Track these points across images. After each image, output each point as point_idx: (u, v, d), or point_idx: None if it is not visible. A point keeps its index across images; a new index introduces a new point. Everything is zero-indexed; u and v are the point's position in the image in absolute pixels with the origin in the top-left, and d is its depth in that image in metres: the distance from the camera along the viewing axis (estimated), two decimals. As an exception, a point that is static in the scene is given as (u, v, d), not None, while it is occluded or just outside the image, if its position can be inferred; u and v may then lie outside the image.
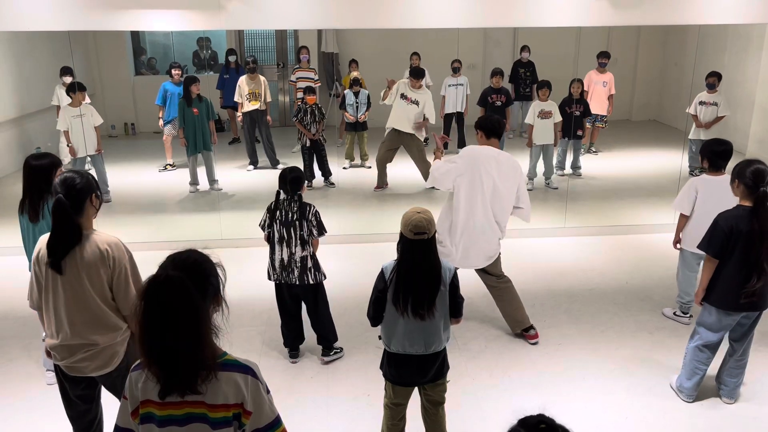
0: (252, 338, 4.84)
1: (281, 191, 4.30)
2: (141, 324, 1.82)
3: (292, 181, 4.23)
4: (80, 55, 9.40)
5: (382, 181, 8.42)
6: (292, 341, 4.54)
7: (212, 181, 8.39)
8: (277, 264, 4.29)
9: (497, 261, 4.76)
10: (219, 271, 2.02)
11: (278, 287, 4.43)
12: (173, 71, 8.92)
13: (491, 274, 4.77)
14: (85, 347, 2.93)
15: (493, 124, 4.69)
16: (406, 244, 3.08)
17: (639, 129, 11.38)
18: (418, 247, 3.06)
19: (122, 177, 8.64)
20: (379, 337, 3.31)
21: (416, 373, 3.26)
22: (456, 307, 3.23)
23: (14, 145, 9.07)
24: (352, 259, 6.12)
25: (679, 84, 10.59)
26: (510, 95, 9.00)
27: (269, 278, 4.40)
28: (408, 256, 3.09)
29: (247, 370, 1.95)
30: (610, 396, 4.14)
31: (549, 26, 6.17)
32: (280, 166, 9.17)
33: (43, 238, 2.95)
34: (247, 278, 5.78)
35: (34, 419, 3.97)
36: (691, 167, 8.46)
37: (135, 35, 11.23)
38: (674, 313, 5.16)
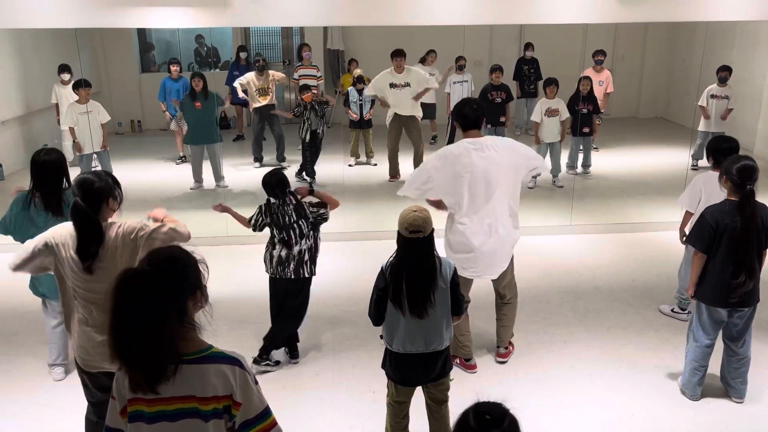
0: (259, 335, 4.84)
1: (270, 197, 4.28)
2: (111, 317, 1.83)
3: (278, 184, 4.22)
4: (87, 52, 9.42)
5: (395, 170, 8.55)
6: (288, 342, 4.54)
7: (218, 177, 8.35)
8: (274, 260, 4.30)
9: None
10: (201, 267, 2.02)
11: (272, 282, 4.40)
12: (171, 67, 8.97)
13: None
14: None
15: (466, 114, 4.09)
16: (402, 242, 3.09)
17: (646, 126, 11.32)
18: (413, 246, 3.06)
19: (128, 174, 8.65)
20: (381, 337, 3.31)
21: (419, 372, 3.25)
22: (457, 305, 3.22)
23: (21, 143, 9.10)
24: (359, 256, 6.12)
25: (687, 81, 10.52)
26: (510, 91, 8.98)
27: (269, 274, 4.39)
28: (404, 254, 3.09)
29: (234, 361, 1.96)
30: (616, 393, 4.13)
31: (555, 23, 6.15)
32: (285, 164, 9.19)
33: (61, 230, 2.95)
34: (254, 275, 5.78)
35: (42, 415, 3.99)
36: (695, 159, 8.50)
37: (141, 32, 11.25)
38: (672, 310, 5.16)
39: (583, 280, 5.83)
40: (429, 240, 3.07)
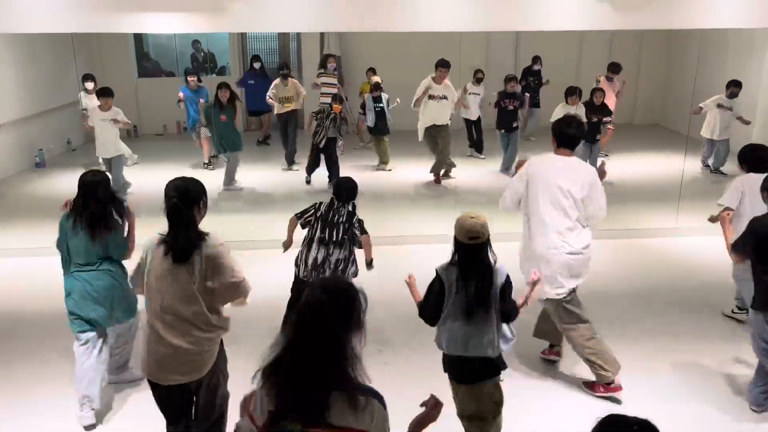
0: (263, 340, 4.82)
1: (335, 198, 4.45)
2: (287, 345, 1.90)
3: (348, 190, 4.45)
4: (83, 57, 9.42)
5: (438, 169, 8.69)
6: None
7: (230, 181, 8.51)
8: (309, 262, 4.33)
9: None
10: (361, 297, 2.03)
11: (301, 282, 4.39)
12: (188, 77, 9.02)
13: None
14: None
15: (567, 133, 4.12)
16: (460, 248, 3.16)
17: (642, 133, 11.36)
18: (472, 251, 3.13)
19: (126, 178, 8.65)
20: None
21: (458, 372, 3.30)
22: (507, 313, 3.24)
23: (17, 147, 9.08)
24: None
25: (682, 88, 10.58)
26: (524, 99, 9.11)
27: (297, 274, 4.42)
28: (465, 259, 3.16)
29: (379, 396, 1.97)
30: (612, 401, 4.12)
31: (551, 30, 6.17)
32: (296, 167, 9.28)
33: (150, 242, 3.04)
34: (259, 281, 5.77)
35: (40, 420, 3.95)
36: (705, 163, 8.94)
37: (138, 37, 11.25)
38: (732, 311, 5.17)
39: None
40: (486, 244, 3.15)
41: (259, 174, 9.22)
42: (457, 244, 3.16)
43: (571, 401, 4.13)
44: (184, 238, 2.94)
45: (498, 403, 3.33)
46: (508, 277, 3.22)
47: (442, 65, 8.25)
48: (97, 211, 3.79)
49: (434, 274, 3.23)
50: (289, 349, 1.90)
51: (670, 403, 4.09)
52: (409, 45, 9.04)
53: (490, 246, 3.17)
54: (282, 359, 1.91)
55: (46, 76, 8.72)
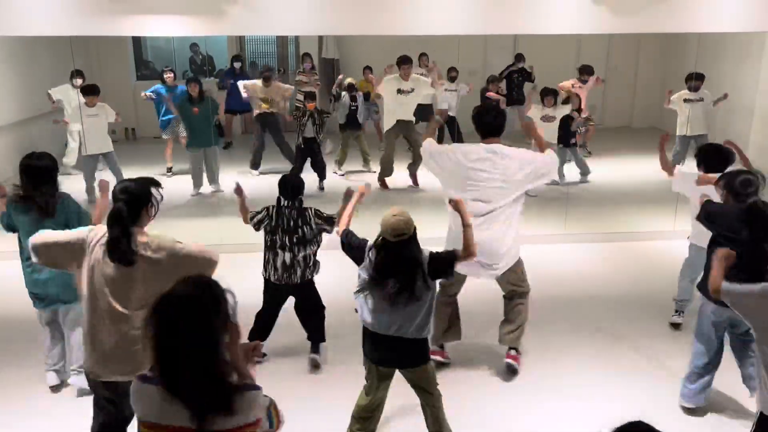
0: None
1: (281, 197, 4.35)
2: (156, 344, 1.82)
3: (293, 188, 4.33)
4: (82, 60, 9.41)
5: (387, 174, 8.68)
6: (259, 334, 4.46)
7: (214, 181, 8.43)
8: (279, 265, 4.34)
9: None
10: (228, 296, 1.96)
11: (273, 286, 4.43)
12: (165, 75, 8.96)
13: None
14: None
15: (486, 121, 4.21)
16: (387, 246, 3.20)
17: (639, 136, 11.37)
18: (398, 247, 3.18)
19: (123, 182, 8.65)
20: (356, 310, 3.42)
21: (392, 355, 3.39)
22: (439, 271, 3.30)
23: (14, 150, 9.05)
24: (343, 263, 6.09)
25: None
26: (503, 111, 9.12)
27: (268, 278, 4.42)
28: (391, 256, 3.19)
29: (259, 387, 1.99)
30: (609, 403, 4.13)
31: (550, 33, 6.18)
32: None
33: (101, 230, 2.98)
34: (249, 285, 5.77)
35: (37, 425, 3.95)
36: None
37: (137, 40, 11.26)
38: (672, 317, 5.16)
39: (577, 289, 5.84)
40: (413, 239, 3.20)
41: (240, 177, 9.21)
42: (384, 242, 3.21)
43: (571, 401, 4.13)
44: (125, 243, 2.88)
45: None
46: (431, 253, 3.29)
47: (404, 62, 8.34)
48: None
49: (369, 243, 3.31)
50: (163, 351, 1.81)
51: (670, 405, 4.10)
52: (407, 48, 9.03)
53: (416, 241, 3.22)
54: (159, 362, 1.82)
55: (45, 79, 8.68)
